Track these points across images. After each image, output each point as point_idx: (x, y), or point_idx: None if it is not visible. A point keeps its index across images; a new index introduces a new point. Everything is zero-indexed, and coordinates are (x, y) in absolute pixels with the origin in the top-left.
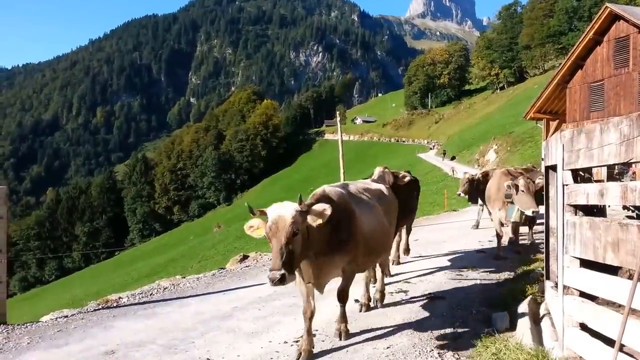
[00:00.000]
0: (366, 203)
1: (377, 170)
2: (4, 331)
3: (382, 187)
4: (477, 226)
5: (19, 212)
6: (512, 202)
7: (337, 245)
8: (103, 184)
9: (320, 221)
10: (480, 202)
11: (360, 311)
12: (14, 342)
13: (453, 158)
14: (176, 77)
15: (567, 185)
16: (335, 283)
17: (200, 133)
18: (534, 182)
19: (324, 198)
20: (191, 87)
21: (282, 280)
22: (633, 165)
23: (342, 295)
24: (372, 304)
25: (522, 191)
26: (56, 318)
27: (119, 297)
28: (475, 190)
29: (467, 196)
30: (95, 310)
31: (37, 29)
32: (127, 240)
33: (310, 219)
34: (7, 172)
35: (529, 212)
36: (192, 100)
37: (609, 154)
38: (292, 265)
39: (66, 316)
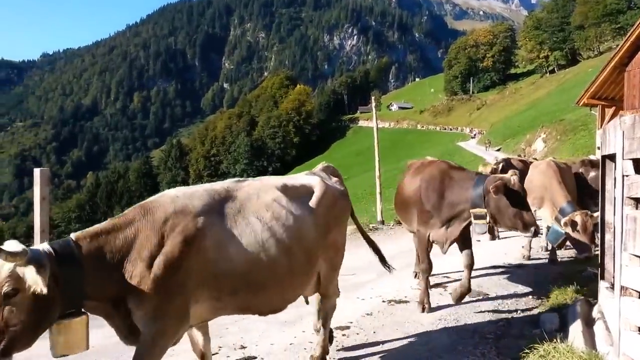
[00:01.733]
0: (236, 213)
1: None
2: None
3: (312, 183)
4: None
5: (61, 195)
6: (558, 222)
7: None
8: (140, 169)
9: (38, 287)
10: None
11: None
12: None
13: (499, 149)
14: (210, 62)
15: (627, 176)
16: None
17: (233, 119)
18: (592, 216)
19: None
20: (224, 72)
21: None
22: None
23: None
24: None
25: (578, 231)
26: None
27: None
28: None
29: None
30: None
31: (77, 14)
32: None
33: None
34: (50, 155)
35: (580, 256)
36: (225, 85)
37: None
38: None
39: None
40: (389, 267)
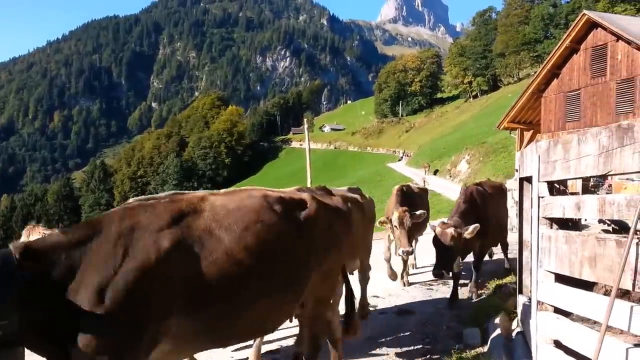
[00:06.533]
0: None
1: None
2: None
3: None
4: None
5: None
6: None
7: None
8: (60, 191)
9: None
10: None
11: None
12: None
13: (436, 172)
14: (137, 81)
15: (542, 197)
16: None
17: (162, 139)
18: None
19: None
20: (153, 91)
21: None
22: (609, 178)
23: None
24: None
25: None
26: None
27: None
28: None
29: None
30: None
31: None
32: None
33: None
34: None
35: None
36: (153, 105)
37: (587, 165)
38: None
39: None
40: None
